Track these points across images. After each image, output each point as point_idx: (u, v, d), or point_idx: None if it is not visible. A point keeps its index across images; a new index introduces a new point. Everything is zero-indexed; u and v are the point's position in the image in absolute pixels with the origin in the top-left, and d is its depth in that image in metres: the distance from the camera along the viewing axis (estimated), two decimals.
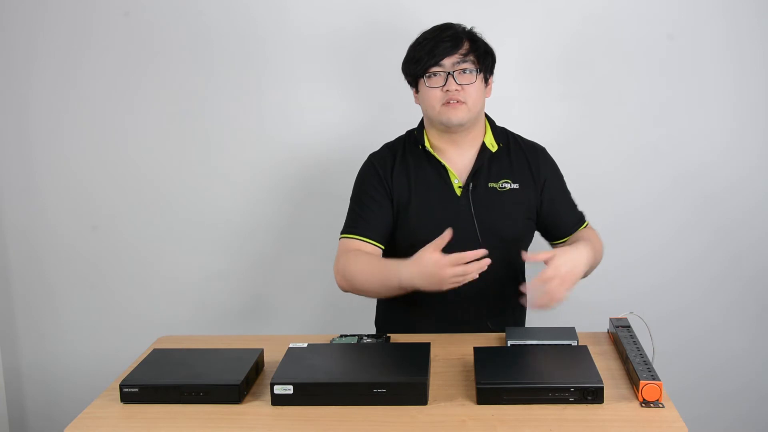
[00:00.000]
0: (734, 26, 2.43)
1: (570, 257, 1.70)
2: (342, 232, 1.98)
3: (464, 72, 1.87)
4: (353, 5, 2.47)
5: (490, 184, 1.95)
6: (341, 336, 1.84)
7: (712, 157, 2.50)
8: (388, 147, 2.04)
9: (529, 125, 2.37)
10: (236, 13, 2.51)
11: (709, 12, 2.42)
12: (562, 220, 2.03)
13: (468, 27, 1.94)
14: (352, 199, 2.02)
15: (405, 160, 1.98)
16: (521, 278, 2.08)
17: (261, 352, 1.66)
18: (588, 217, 2.10)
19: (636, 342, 1.67)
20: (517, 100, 2.48)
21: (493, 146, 1.97)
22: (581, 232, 2.03)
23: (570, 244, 1.92)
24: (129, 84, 2.57)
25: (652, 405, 1.44)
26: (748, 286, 2.57)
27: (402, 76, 1.99)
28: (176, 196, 2.64)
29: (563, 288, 1.67)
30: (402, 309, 2.01)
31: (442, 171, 1.95)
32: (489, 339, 1.84)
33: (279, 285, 2.69)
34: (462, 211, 1.93)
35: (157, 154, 2.61)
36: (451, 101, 1.87)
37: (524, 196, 1.97)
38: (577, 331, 1.74)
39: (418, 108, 2.00)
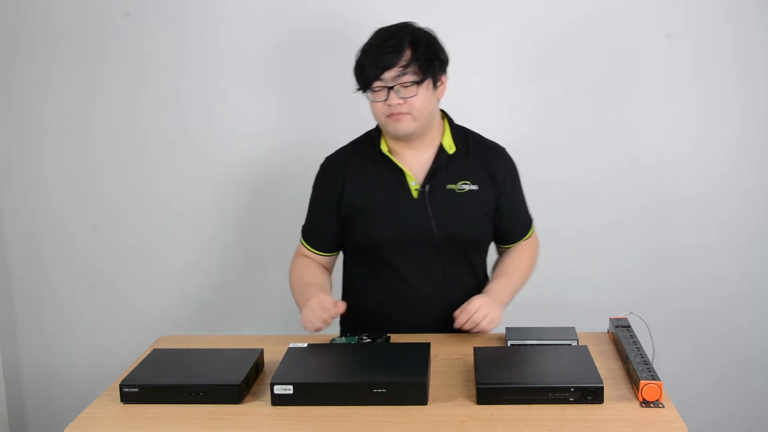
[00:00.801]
0: (734, 26, 2.42)
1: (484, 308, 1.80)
2: (301, 234, 2.04)
3: (406, 84, 1.80)
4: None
5: (448, 186, 1.90)
6: (341, 336, 1.84)
7: (713, 157, 2.50)
8: (345, 149, 2.01)
9: (529, 125, 2.38)
10: (232, 14, 2.51)
11: (709, 12, 2.42)
12: (513, 227, 2.01)
13: (417, 26, 1.85)
14: (309, 201, 2.03)
15: (361, 162, 1.94)
16: (483, 278, 2.04)
17: (261, 352, 1.66)
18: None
19: (636, 342, 1.67)
20: (517, 100, 2.48)
21: (450, 148, 1.92)
22: (517, 249, 2.02)
23: (497, 276, 1.98)
24: (129, 83, 2.57)
25: (652, 405, 1.44)
26: (748, 286, 2.57)
27: None
28: (177, 196, 2.64)
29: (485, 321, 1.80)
30: (366, 310, 1.99)
31: (398, 173, 1.91)
32: (489, 339, 1.84)
33: (279, 285, 2.67)
34: (419, 213, 1.89)
35: (157, 155, 2.61)
36: (394, 114, 1.82)
37: (483, 197, 1.92)
38: (577, 331, 1.74)
39: None
